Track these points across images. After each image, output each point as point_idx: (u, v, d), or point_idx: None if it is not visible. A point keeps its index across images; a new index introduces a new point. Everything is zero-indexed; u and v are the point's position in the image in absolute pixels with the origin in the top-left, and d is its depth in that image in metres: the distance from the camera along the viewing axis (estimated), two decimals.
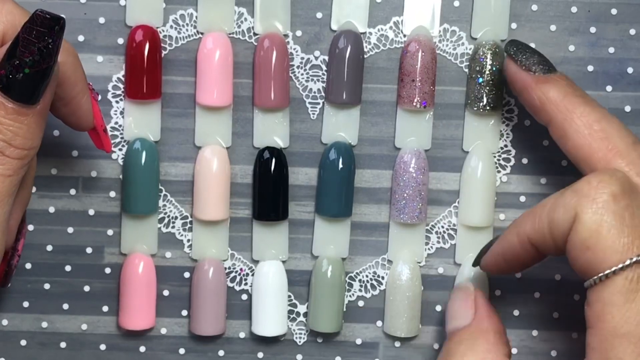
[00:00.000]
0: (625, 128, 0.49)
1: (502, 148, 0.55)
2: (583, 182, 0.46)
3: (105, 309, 0.56)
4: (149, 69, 0.53)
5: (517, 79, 0.51)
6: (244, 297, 0.56)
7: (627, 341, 0.43)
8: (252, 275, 0.56)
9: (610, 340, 0.44)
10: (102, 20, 0.54)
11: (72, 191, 0.55)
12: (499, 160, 0.55)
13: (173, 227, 0.55)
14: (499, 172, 0.55)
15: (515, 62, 0.51)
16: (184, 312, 0.56)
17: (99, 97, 0.52)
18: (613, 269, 0.44)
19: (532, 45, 0.55)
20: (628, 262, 0.44)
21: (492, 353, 0.48)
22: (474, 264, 0.53)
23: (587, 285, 0.45)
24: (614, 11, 0.55)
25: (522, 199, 0.56)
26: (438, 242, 0.56)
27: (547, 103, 0.50)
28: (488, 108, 0.54)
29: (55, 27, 0.42)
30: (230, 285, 0.56)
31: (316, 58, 0.55)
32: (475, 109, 0.54)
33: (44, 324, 0.56)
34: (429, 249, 0.56)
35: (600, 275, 0.44)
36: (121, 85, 0.54)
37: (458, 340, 0.49)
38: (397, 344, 0.56)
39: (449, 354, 0.49)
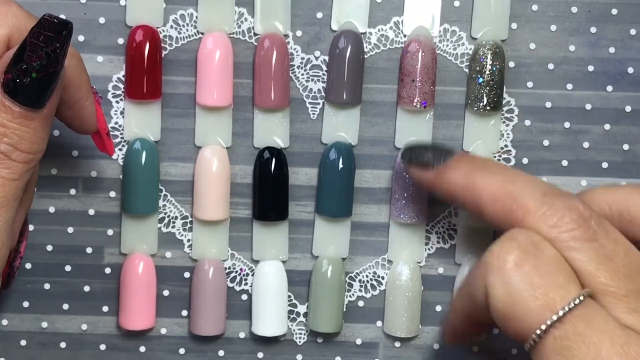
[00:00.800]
0: (532, 181, 0.47)
1: (502, 148, 0.55)
2: (488, 253, 0.45)
3: (105, 309, 0.56)
4: (149, 69, 0.53)
5: (423, 179, 0.51)
6: (244, 297, 0.56)
7: None
8: (252, 275, 0.56)
9: None
10: (102, 20, 0.54)
11: (72, 191, 0.55)
12: (499, 160, 0.55)
13: (173, 227, 0.55)
14: None
15: (414, 165, 0.51)
16: (184, 312, 0.56)
17: (102, 100, 0.52)
18: (538, 332, 0.43)
19: (533, 45, 0.55)
20: (549, 322, 0.43)
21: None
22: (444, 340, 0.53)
23: (527, 349, 0.44)
24: (614, 11, 0.55)
25: None
26: (438, 242, 0.56)
27: (453, 190, 0.49)
28: (488, 108, 0.54)
29: (63, 32, 0.42)
30: (230, 285, 0.56)
31: (316, 58, 0.55)
32: (476, 109, 0.54)
33: (44, 324, 0.56)
34: (429, 249, 0.56)
35: (529, 341, 0.43)
36: (121, 85, 0.54)
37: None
38: (397, 344, 0.56)
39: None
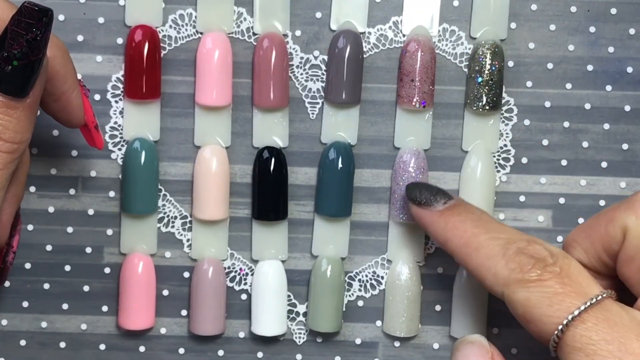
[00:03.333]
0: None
1: (501, 148, 0.55)
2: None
3: (104, 308, 0.56)
4: (148, 68, 0.53)
5: (422, 218, 0.51)
6: (244, 296, 0.56)
7: None
8: (252, 275, 0.56)
9: None
10: (101, 20, 0.54)
11: (72, 191, 0.55)
12: (498, 159, 0.55)
13: (172, 226, 0.55)
14: (498, 171, 0.55)
15: (415, 203, 0.51)
16: (184, 312, 0.56)
17: (89, 93, 0.52)
18: (560, 327, 0.44)
19: (532, 45, 0.55)
20: (570, 317, 0.44)
21: None
22: None
23: (551, 349, 0.45)
24: (613, 10, 0.55)
25: (522, 198, 0.56)
26: None
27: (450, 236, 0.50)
28: (487, 108, 0.54)
29: (44, 19, 0.42)
30: (230, 285, 0.56)
31: (315, 58, 0.55)
32: (475, 108, 0.54)
33: (44, 324, 0.56)
34: (428, 248, 0.56)
35: (553, 337, 0.44)
36: (120, 85, 0.54)
37: None
38: (397, 343, 0.56)
39: None
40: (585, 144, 0.55)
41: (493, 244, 0.47)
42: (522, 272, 0.45)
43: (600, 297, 0.44)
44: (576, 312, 0.43)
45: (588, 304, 0.44)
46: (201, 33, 0.54)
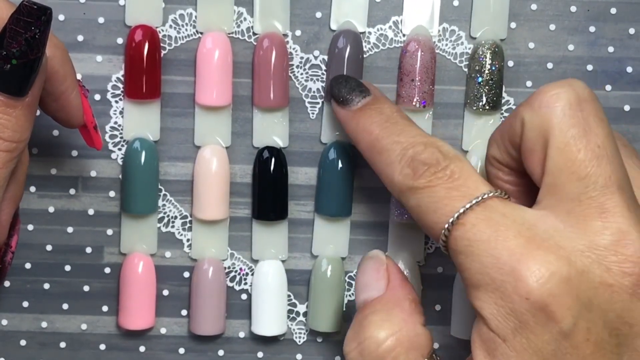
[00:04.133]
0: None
1: None
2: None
3: (104, 308, 0.56)
4: (148, 68, 0.53)
5: (338, 115, 0.51)
6: (244, 296, 0.56)
7: None
8: (252, 274, 0.56)
9: None
10: (101, 20, 0.54)
11: (72, 191, 0.55)
12: None
13: (172, 226, 0.55)
14: None
15: (334, 98, 0.51)
16: (184, 312, 0.56)
17: (89, 94, 0.52)
18: (444, 229, 0.44)
19: (532, 44, 0.55)
20: (451, 220, 0.44)
21: (409, 322, 0.46)
22: None
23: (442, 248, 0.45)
24: (613, 10, 0.55)
25: None
26: None
27: (358, 135, 0.50)
28: (487, 107, 0.54)
29: (42, 18, 0.42)
30: (230, 284, 0.56)
31: (315, 58, 0.55)
32: (475, 108, 0.54)
33: (44, 324, 0.56)
34: (428, 248, 0.56)
35: (441, 239, 0.44)
36: (120, 85, 0.54)
37: (372, 311, 0.46)
38: None
39: (363, 325, 0.46)
40: None
41: (393, 148, 0.47)
42: (413, 178, 0.45)
43: (484, 196, 0.43)
44: (456, 216, 0.43)
45: (468, 205, 0.43)
46: (201, 33, 0.54)
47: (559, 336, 0.41)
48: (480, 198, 0.43)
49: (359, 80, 0.52)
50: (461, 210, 0.43)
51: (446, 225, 0.43)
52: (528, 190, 0.47)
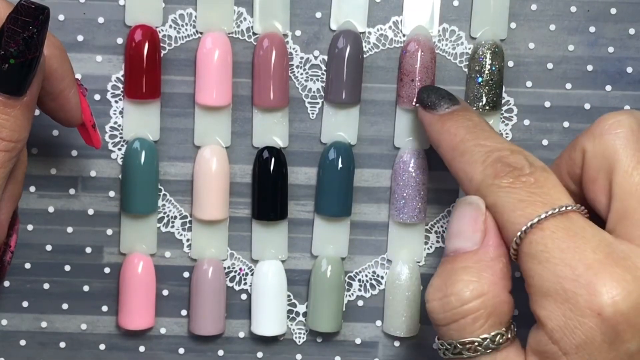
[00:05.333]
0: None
1: None
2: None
3: (104, 308, 0.56)
4: (148, 68, 0.53)
5: (423, 120, 0.51)
6: (244, 296, 0.56)
7: None
8: (252, 274, 0.56)
9: None
10: (101, 20, 0.54)
11: (72, 191, 0.55)
12: None
13: (172, 226, 0.55)
14: None
15: (421, 104, 0.51)
16: (184, 312, 0.56)
17: (87, 93, 0.52)
18: (519, 234, 0.44)
19: (532, 45, 0.55)
20: (529, 224, 0.43)
21: (497, 287, 0.45)
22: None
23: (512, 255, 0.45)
24: (613, 10, 0.55)
25: None
26: (437, 241, 0.56)
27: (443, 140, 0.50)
28: (487, 108, 0.54)
29: (40, 17, 0.42)
30: (230, 285, 0.56)
31: (315, 58, 0.55)
32: (475, 108, 0.54)
33: (44, 324, 0.56)
34: (428, 248, 0.56)
35: (512, 245, 0.44)
36: (120, 85, 0.54)
37: (463, 266, 0.45)
38: (397, 343, 0.56)
39: (452, 279, 0.45)
40: None
41: (477, 150, 0.47)
42: (495, 177, 0.45)
43: (566, 207, 0.43)
44: (536, 220, 0.43)
45: (550, 212, 0.43)
46: (201, 33, 0.54)
47: (624, 356, 0.41)
48: (563, 208, 0.43)
49: (449, 91, 0.52)
50: (543, 216, 0.43)
51: (524, 228, 0.43)
52: None
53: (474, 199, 0.46)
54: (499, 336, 0.44)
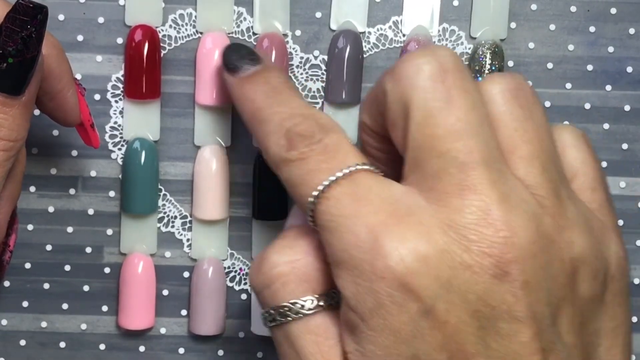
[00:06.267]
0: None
1: None
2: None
3: (104, 308, 0.56)
4: (148, 68, 0.53)
5: (227, 83, 0.49)
6: (244, 296, 0.56)
7: None
8: None
9: None
10: (101, 20, 0.54)
11: (72, 191, 0.55)
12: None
13: (172, 226, 0.55)
14: None
15: (224, 65, 0.49)
16: (184, 312, 0.56)
17: (85, 92, 0.52)
18: (309, 203, 0.42)
19: (532, 44, 0.55)
20: (315, 193, 0.41)
21: (312, 255, 0.43)
22: None
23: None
24: (613, 10, 0.55)
25: None
26: None
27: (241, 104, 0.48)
28: None
29: (38, 16, 0.42)
30: (230, 284, 0.56)
31: (315, 58, 0.55)
32: None
33: (44, 324, 0.56)
34: None
35: (307, 211, 0.42)
36: (120, 85, 0.54)
37: (282, 236, 0.44)
38: None
39: (268, 247, 0.44)
40: None
41: (272, 119, 0.45)
42: (287, 150, 0.43)
43: (352, 169, 0.41)
44: (321, 189, 0.41)
45: (333, 178, 0.41)
46: (201, 33, 0.54)
47: (417, 316, 0.39)
48: (348, 171, 0.41)
49: (252, 48, 0.50)
50: (326, 183, 0.41)
51: (310, 199, 0.41)
52: (401, 159, 0.44)
53: None
54: (309, 301, 0.42)
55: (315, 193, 0.41)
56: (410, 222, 0.39)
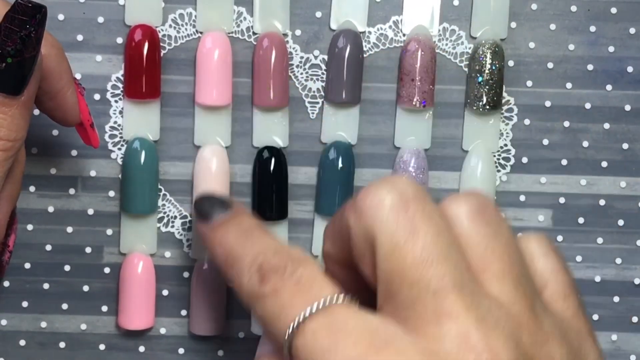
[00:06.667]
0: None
1: (501, 147, 0.55)
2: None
3: (104, 308, 0.56)
4: (148, 68, 0.53)
5: (200, 231, 0.48)
6: None
7: None
8: None
9: None
10: (101, 19, 0.54)
11: (71, 191, 0.55)
12: (498, 159, 0.55)
13: (172, 226, 0.55)
14: (498, 171, 0.55)
15: (196, 214, 0.48)
16: (184, 312, 0.56)
17: (85, 92, 0.52)
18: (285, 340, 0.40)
19: (532, 44, 0.55)
20: (290, 330, 0.39)
21: None
22: None
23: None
24: (613, 10, 0.55)
25: (522, 198, 0.56)
26: None
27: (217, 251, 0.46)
28: (488, 107, 0.54)
29: (37, 16, 0.42)
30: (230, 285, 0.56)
31: (315, 57, 0.54)
32: (475, 108, 0.54)
33: (43, 324, 0.55)
34: None
35: (285, 349, 0.40)
36: (120, 85, 0.54)
37: None
38: None
39: None
40: (585, 144, 0.55)
41: (246, 257, 0.43)
42: (260, 285, 0.41)
43: (326, 302, 0.40)
44: (296, 323, 0.39)
45: (308, 312, 0.39)
46: (201, 33, 0.54)
47: None
48: (322, 304, 0.40)
49: (224, 196, 0.49)
50: (302, 317, 0.39)
51: (287, 334, 0.39)
52: (368, 288, 0.42)
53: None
54: None
55: (291, 328, 0.40)
56: (391, 352, 0.38)
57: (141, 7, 0.54)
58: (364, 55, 0.54)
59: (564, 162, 0.55)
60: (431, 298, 0.39)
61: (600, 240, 0.56)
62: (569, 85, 0.55)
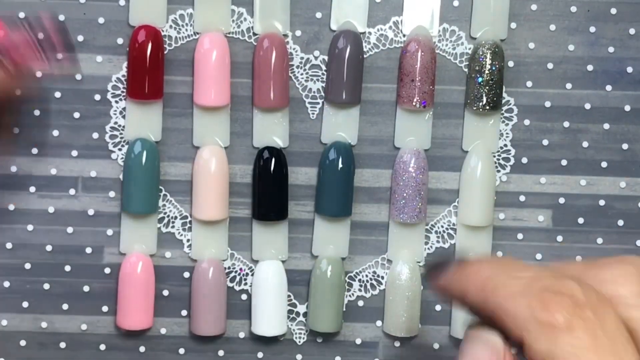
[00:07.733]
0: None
1: (501, 147, 0.55)
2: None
3: (104, 309, 0.56)
4: (151, 69, 0.53)
5: (441, 282, 0.40)
6: (244, 297, 0.56)
7: None
8: (252, 275, 0.56)
9: None
10: (101, 20, 0.54)
11: (72, 191, 0.55)
12: (498, 159, 0.55)
13: (172, 227, 0.55)
14: (498, 171, 0.55)
15: (432, 271, 0.40)
16: (184, 312, 0.56)
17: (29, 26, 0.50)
18: None
19: (532, 45, 0.55)
20: None
21: None
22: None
23: None
24: (613, 11, 0.55)
25: (522, 198, 0.56)
26: (438, 241, 0.56)
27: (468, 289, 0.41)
28: (487, 108, 0.54)
29: None
30: (230, 285, 0.56)
31: (316, 58, 0.55)
32: (475, 108, 0.54)
33: (44, 324, 0.55)
34: (428, 248, 0.56)
35: None
36: (120, 85, 0.54)
37: None
38: (397, 343, 0.56)
39: None
40: (585, 144, 0.55)
41: (514, 282, 0.37)
42: (546, 310, 0.35)
43: None
44: None
45: None
46: (199, 33, 0.54)
47: None
48: None
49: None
50: None
51: None
52: None
53: (491, 337, 0.37)
54: None
55: None
56: None
57: (145, 7, 0.53)
58: (364, 56, 0.54)
59: (564, 162, 0.55)
60: None
61: (600, 240, 0.56)
62: (568, 85, 0.55)
